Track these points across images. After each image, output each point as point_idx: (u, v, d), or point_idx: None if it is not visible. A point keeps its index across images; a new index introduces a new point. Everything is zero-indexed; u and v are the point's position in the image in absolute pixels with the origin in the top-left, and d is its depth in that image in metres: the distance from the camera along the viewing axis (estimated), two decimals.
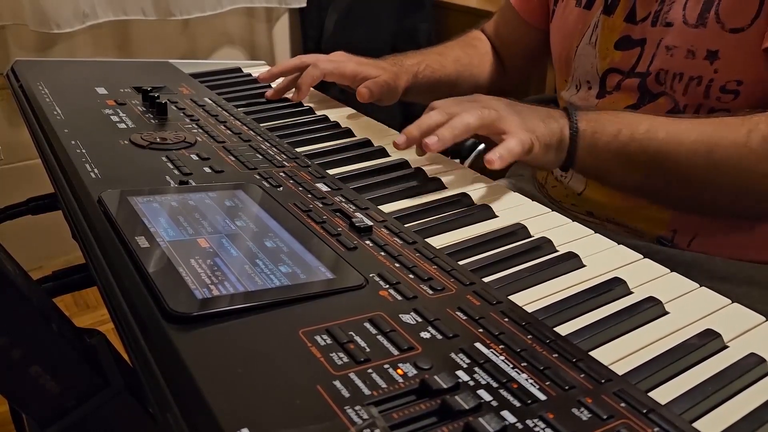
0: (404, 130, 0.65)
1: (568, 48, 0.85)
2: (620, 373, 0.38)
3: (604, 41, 0.78)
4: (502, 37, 1.04)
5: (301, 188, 0.59)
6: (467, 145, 1.04)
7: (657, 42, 0.72)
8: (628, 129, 0.65)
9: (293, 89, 0.88)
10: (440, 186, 0.65)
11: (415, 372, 0.35)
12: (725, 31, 0.67)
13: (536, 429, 0.32)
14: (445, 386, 0.34)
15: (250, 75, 1.02)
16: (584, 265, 0.52)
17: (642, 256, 0.53)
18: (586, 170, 0.70)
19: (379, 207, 0.57)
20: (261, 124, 0.77)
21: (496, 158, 0.59)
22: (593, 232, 0.57)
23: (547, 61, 1.01)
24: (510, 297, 0.45)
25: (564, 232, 0.56)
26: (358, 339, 0.38)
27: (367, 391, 0.33)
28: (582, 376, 0.37)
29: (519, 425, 0.32)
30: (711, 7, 0.68)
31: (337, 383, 0.34)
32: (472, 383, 0.35)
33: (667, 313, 0.46)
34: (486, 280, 0.48)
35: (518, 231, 0.56)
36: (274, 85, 0.91)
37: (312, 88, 0.91)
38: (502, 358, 0.37)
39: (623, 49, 0.76)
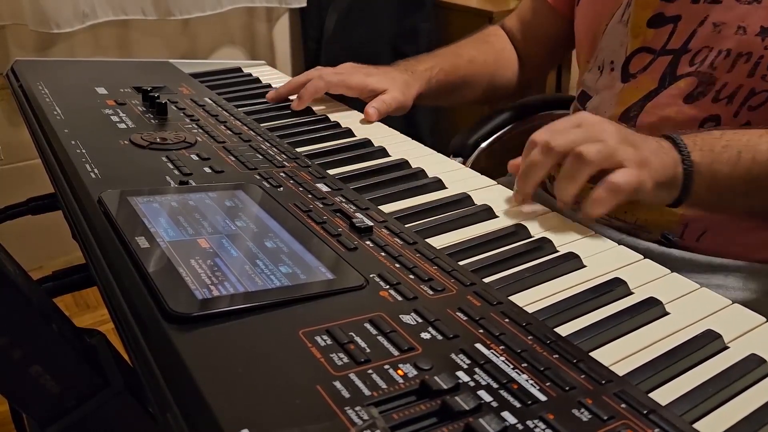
0: (517, 187, 0.60)
1: (595, 27, 0.83)
2: (621, 373, 0.38)
3: (637, 19, 0.77)
4: (526, 28, 1.02)
5: (301, 188, 0.59)
6: (469, 144, 1.04)
7: (701, 19, 0.71)
8: (747, 152, 0.60)
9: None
10: (441, 186, 0.65)
11: (415, 372, 0.35)
12: None
13: (536, 430, 0.32)
14: (445, 387, 0.34)
15: (250, 75, 1.02)
16: (585, 266, 0.52)
17: (642, 257, 0.53)
18: (702, 204, 0.63)
19: (379, 207, 0.57)
20: (261, 124, 0.77)
21: (598, 197, 0.54)
22: (594, 232, 0.57)
23: (563, 57, 0.99)
24: (510, 297, 0.45)
25: (564, 233, 0.56)
26: (358, 339, 0.38)
27: (367, 392, 0.33)
28: (582, 376, 0.36)
29: (519, 426, 0.32)
30: None
31: (338, 384, 0.34)
32: (472, 384, 0.35)
33: (667, 313, 0.46)
34: (486, 280, 0.48)
35: (519, 231, 0.56)
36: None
37: None
38: (503, 358, 0.37)
39: (656, 26, 0.75)
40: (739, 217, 0.71)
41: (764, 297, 0.70)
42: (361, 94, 0.87)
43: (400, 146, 0.75)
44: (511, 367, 0.37)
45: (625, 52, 0.78)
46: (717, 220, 0.73)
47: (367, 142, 0.75)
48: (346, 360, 0.36)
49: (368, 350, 0.37)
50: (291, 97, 0.90)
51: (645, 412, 0.34)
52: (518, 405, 0.34)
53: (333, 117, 0.84)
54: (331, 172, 0.65)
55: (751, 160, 0.60)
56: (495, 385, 0.35)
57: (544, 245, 0.54)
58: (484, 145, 1.05)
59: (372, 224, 0.52)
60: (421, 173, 0.67)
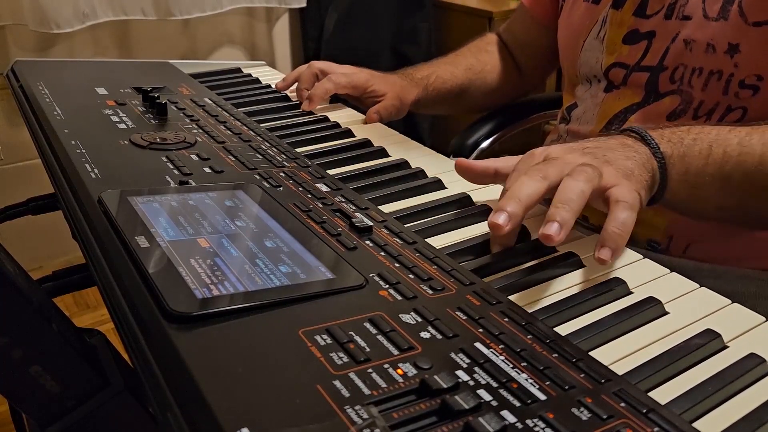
0: (500, 206, 0.49)
1: (574, 44, 0.84)
2: (620, 373, 0.38)
3: (613, 36, 0.78)
4: (517, 39, 1.04)
5: (301, 188, 0.59)
6: (468, 144, 1.04)
7: (672, 36, 0.71)
8: (719, 146, 0.58)
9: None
10: (440, 186, 0.65)
11: (415, 372, 0.35)
12: (748, 24, 0.66)
13: (536, 429, 0.32)
14: (445, 386, 0.34)
15: (250, 75, 1.02)
16: (584, 265, 0.52)
17: (642, 256, 0.53)
18: (676, 202, 0.60)
19: (379, 207, 0.57)
20: (261, 125, 0.77)
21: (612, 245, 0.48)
22: (592, 232, 0.57)
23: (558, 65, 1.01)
24: (510, 297, 0.45)
25: None
26: (358, 339, 0.38)
27: (367, 391, 0.33)
28: (582, 376, 0.37)
29: (519, 425, 0.32)
30: (734, 0, 0.67)
31: (337, 383, 0.34)
32: (471, 383, 0.35)
33: (667, 313, 0.46)
34: (486, 280, 0.48)
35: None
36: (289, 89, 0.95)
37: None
38: (502, 358, 0.37)
39: (630, 43, 0.76)
40: (723, 227, 0.71)
41: (756, 299, 0.69)
42: (363, 94, 0.89)
43: (400, 146, 0.76)
44: (511, 366, 0.37)
45: (601, 67, 0.79)
46: (701, 231, 0.72)
47: (366, 143, 0.75)
48: (345, 359, 0.36)
49: (368, 349, 0.37)
50: (289, 93, 0.93)
51: (644, 411, 0.34)
52: (518, 404, 0.34)
53: (333, 117, 0.84)
54: (331, 172, 0.65)
55: (723, 154, 0.58)
56: (494, 384, 0.35)
57: (543, 245, 0.54)
58: (483, 145, 1.05)
59: (371, 224, 0.52)
60: (420, 173, 0.67)
